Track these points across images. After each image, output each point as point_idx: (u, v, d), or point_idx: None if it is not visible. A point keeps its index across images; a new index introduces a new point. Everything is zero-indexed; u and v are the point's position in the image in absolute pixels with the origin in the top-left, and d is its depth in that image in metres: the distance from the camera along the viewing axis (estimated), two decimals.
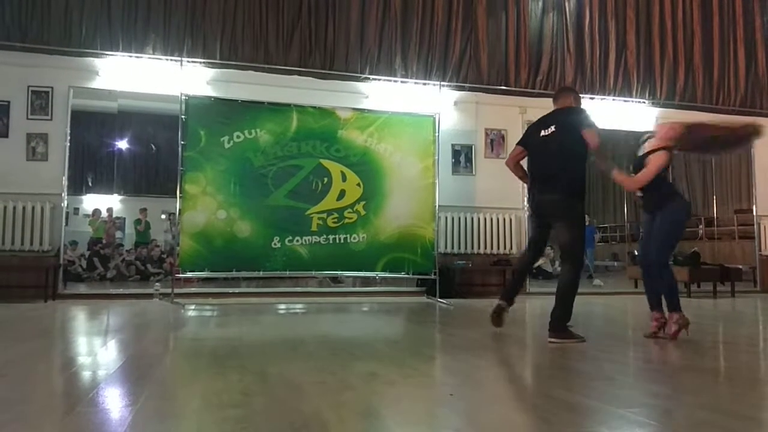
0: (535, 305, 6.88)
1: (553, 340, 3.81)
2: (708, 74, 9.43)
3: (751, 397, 2.51)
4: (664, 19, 9.26)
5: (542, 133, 4.11)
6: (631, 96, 9.05)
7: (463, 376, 3.07)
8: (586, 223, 13.81)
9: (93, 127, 13.63)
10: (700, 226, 13.31)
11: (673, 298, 4.14)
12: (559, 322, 3.86)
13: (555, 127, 4.03)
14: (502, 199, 8.11)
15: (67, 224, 7.36)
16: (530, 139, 4.24)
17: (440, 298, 7.03)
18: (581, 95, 8.67)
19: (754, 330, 5.18)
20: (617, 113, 8.98)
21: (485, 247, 8.10)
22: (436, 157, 7.29)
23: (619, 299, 7.96)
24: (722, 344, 4.33)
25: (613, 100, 8.97)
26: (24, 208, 6.75)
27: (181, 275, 6.58)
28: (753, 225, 9.72)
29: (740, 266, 9.23)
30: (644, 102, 9.12)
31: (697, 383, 2.79)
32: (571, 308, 3.91)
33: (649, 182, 4.07)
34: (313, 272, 7.25)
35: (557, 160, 3.96)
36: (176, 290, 6.65)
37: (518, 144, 4.39)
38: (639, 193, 4.24)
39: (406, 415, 2.22)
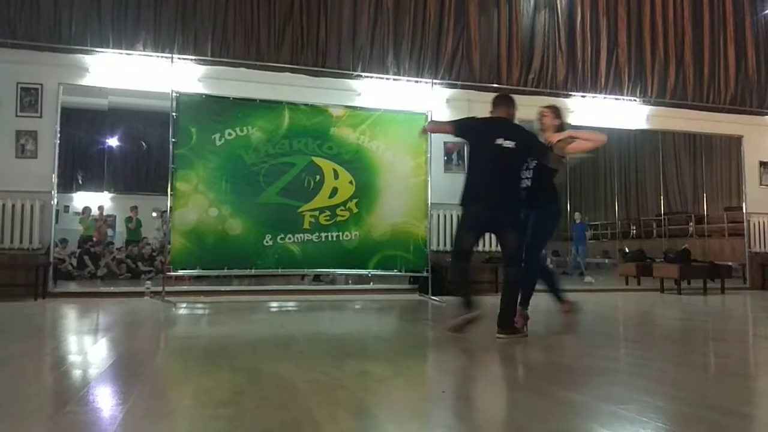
0: None
1: (501, 335, 3.89)
2: (698, 72, 9.48)
3: (740, 393, 2.53)
4: (655, 18, 9.31)
5: (498, 141, 3.95)
6: (622, 94, 9.09)
7: (455, 373, 3.07)
8: (578, 221, 13.88)
9: (83, 124, 13.58)
10: (691, 224, 13.42)
11: (527, 293, 4.26)
12: (508, 319, 3.97)
13: (515, 145, 3.96)
14: None
15: (57, 222, 7.31)
16: (480, 138, 4.13)
17: (432, 295, 7.03)
18: (573, 93, 8.82)
19: (743, 326, 5.22)
20: (608, 111, 9.02)
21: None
22: (429, 155, 7.30)
23: (610, 296, 8.00)
24: (712, 340, 4.36)
25: (604, 98, 9.00)
26: (13, 206, 6.69)
27: (172, 273, 6.55)
28: (743, 222, 9.80)
29: (730, 263, 9.30)
30: (635, 100, 9.16)
31: (688, 379, 2.81)
32: (516, 304, 4.07)
33: (544, 178, 4.18)
34: (306, 270, 7.25)
35: (513, 177, 4.05)
36: (167, 288, 6.62)
37: (455, 127, 4.29)
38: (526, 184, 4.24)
39: (398, 413, 2.22)
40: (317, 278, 8.90)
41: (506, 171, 3.99)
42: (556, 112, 4.42)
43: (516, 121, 4.26)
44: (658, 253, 10.39)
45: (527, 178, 4.22)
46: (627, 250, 11.95)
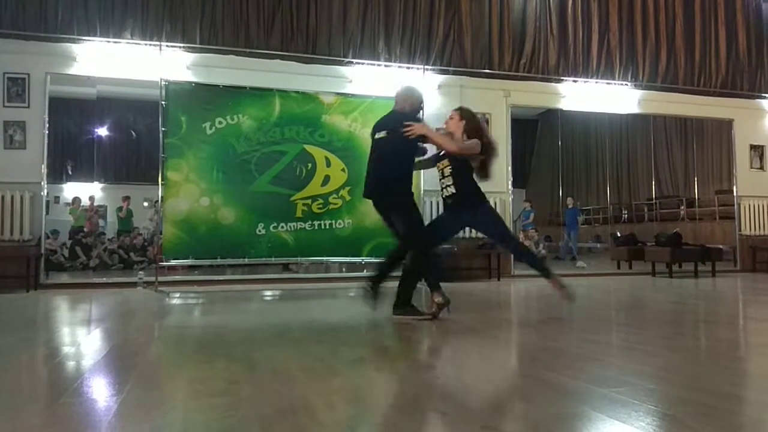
0: (520, 288, 6.95)
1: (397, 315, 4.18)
2: (690, 56, 9.50)
3: (730, 375, 2.56)
4: (647, 1, 9.29)
5: (377, 135, 4.28)
6: (613, 78, 9.10)
7: (449, 360, 3.09)
8: (570, 206, 13.94)
9: (72, 114, 13.47)
10: (682, 207, 13.49)
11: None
12: (404, 300, 4.21)
13: (387, 133, 4.21)
14: (487, 183, 8.04)
15: (47, 213, 7.26)
16: (371, 138, 4.41)
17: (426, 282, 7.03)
18: (564, 78, 8.80)
19: (733, 309, 5.27)
20: (600, 96, 9.03)
21: (470, 232, 8.11)
22: None
23: (602, 280, 8.05)
24: (703, 323, 4.40)
25: (596, 82, 9.01)
26: (3, 197, 6.63)
27: (164, 263, 6.53)
28: (733, 205, 9.86)
29: (721, 246, 9.36)
30: (627, 84, 9.17)
31: (679, 362, 2.84)
32: (414, 287, 4.29)
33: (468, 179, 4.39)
34: (299, 258, 7.24)
35: (390, 165, 4.20)
36: (160, 278, 6.61)
37: None
38: (451, 190, 4.43)
39: (393, 400, 2.23)
40: (286, 267, 8.74)
41: (381, 161, 4.20)
42: (462, 114, 4.51)
43: (421, 109, 4.54)
44: (650, 237, 10.44)
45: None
46: (618, 235, 12.01)
